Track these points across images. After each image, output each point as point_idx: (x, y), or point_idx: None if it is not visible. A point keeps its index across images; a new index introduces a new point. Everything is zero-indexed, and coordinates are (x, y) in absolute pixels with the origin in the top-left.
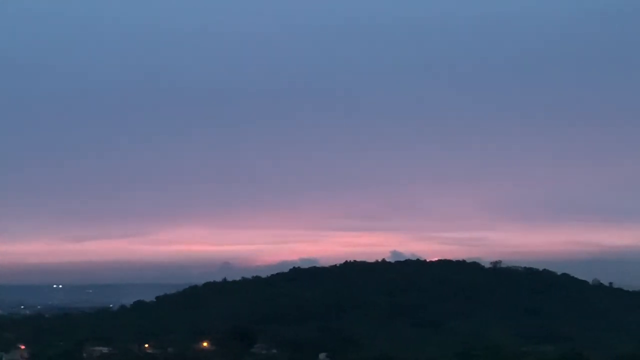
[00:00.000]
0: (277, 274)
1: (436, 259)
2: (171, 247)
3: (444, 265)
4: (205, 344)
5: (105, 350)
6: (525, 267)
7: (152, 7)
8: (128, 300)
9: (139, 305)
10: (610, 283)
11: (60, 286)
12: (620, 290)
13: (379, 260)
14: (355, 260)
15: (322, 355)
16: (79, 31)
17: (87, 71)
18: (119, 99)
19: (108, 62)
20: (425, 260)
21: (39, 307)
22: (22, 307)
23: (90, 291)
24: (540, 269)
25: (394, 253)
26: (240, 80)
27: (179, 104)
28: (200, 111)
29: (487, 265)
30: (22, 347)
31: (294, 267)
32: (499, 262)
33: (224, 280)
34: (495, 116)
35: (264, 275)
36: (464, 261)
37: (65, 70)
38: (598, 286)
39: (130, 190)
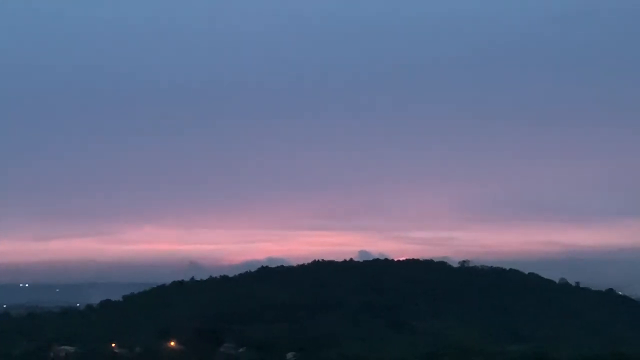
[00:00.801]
0: (246, 272)
1: (404, 258)
2: (138, 246)
3: (412, 264)
4: (172, 343)
5: (71, 349)
6: (492, 267)
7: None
8: (95, 300)
9: (106, 304)
10: (577, 282)
11: (27, 285)
12: (587, 289)
13: (347, 259)
14: (323, 260)
15: (290, 355)
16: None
17: (56, 71)
18: (86, 99)
19: (79, 63)
20: (393, 260)
21: (5, 306)
22: None
23: (58, 290)
24: (508, 268)
25: (362, 252)
26: (210, 81)
27: (146, 104)
28: (168, 111)
29: (455, 265)
30: None
31: (262, 267)
32: (467, 261)
33: (192, 279)
34: (463, 117)
35: (231, 275)
36: (431, 260)
37: (35, 70)
38: (565, 285)
39: (96, 189)
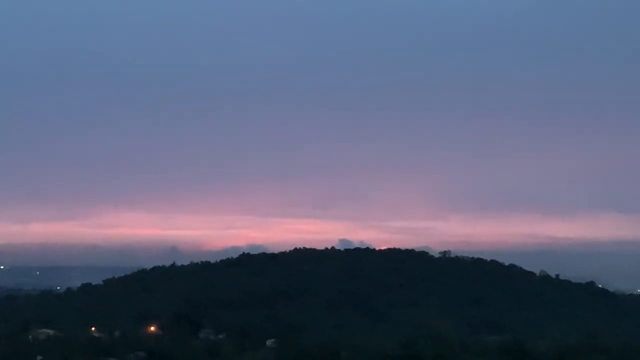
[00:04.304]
0: (227, 259)
1: (385, 247)
2: (119, 230)
3: (393, 254)
4: (152, 328)
5: (50, 332)
6: (473, 258)
7: None
8: (75, 283)
9: (86, 288)
10: (557, 275)
11: (7, 268)
12: (567, 282)
13: (328, 248)
14: (304, 248)
15: (269, 342)
16: None
17: (33, 53)
18: (66, 83)
19: (58, 46)
20: (374, 249)
21: None
22: None
23: (37, 273)
24: (489, 259)
25: (343, 241)
26: (191, 68)
27: (129, 89)
28: (152, 96)
29: (436, 255)
30: None
31: (243, 253)
32: (448, 252)
33: (173, 264)
34: (445, 107)
35: (213, 261)
36: (412, 250)
37: (11, 52)
38: (545, 277)
39: (76, 172)
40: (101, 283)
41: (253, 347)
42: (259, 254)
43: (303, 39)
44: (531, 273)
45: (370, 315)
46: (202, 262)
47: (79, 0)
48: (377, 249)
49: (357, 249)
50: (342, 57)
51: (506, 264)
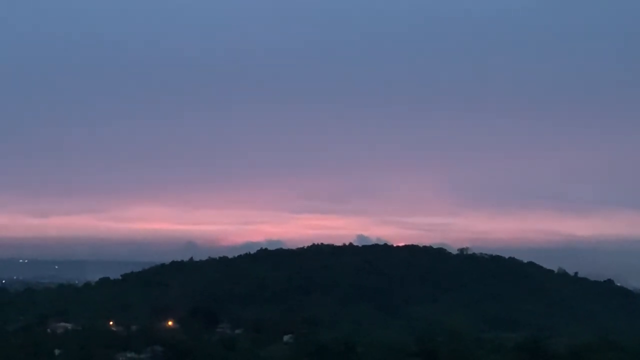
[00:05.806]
0: (244, 254)
1: (403, 244)
2: (137, 224)
3: (411, 250)
4: (169, 322)
5: (68, 326)
6: (491, 255)
7: None
8: (94, 277)
9: (104, 282)
10: (576, 272)
11: (26, 261)
12: (585, 279)
13: (346, 243)
14: (322, 243)
15: (287, 337)
16: None
17: (52, 44)
18: (84, 75)
19: (77, 37)
20: (392, 245)
21: (3, 281)
22: None
23: (57, 267)
24: (507, 256)
25: (360, 237)
26: (212, 61)
27: (148, 82)
28: (170, 90)
29: (454, 252)
30: None
31: (261, 249)
32: (466, 248)
33: (191, 259)
34: (464, 103)
35: (230, 256)
36: (430, 247)
37: (31, 43)
38: (563, 275)
39: (96, 166)
40: (119, 277)
41: (270, 342)
42: (276, 249)
43: (321, 35)
44: (549, 270)
45: (386, 311)
46: (219, 257)
47: None
48: (394, 245)
49: (375, 245)
50: (359, 52)
51: (524, 261)
